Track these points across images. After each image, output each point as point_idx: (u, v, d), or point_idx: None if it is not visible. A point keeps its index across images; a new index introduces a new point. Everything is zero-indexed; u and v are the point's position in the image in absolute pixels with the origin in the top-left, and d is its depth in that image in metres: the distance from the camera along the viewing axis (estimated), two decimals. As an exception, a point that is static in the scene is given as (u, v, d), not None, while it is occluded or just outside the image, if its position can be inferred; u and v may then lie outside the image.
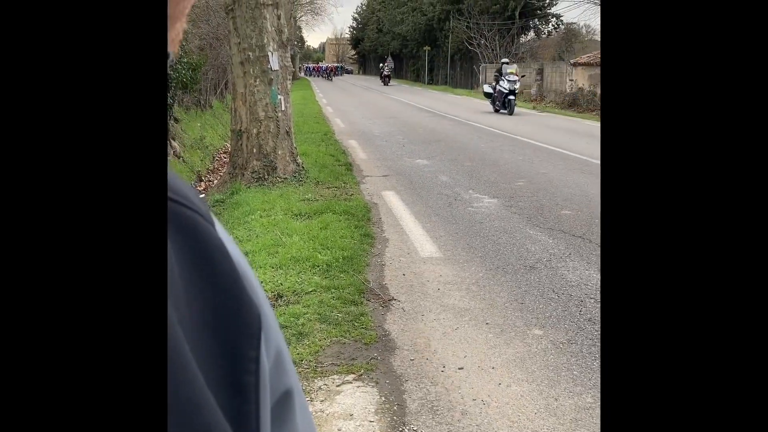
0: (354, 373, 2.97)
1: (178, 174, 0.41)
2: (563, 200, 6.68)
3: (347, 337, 3.34)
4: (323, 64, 77.08)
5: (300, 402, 0.44)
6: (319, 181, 7.45)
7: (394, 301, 3.88)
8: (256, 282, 0.43)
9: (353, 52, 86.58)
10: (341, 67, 79.96)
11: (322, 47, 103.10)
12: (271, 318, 0.41)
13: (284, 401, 0.42)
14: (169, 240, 0.33)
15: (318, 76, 69.60)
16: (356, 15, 78.21)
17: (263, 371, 0.37)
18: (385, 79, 42.35)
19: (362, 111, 19.91)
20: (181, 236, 0.35)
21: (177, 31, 0.40)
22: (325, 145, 10.68)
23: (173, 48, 0.42)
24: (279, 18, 7.20)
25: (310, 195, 6.69)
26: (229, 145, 9.46)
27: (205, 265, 0.35)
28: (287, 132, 7.45)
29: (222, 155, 11.56)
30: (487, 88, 18.98)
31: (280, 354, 0.41)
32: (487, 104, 19.52)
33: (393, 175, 8.29)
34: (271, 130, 7.26)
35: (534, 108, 21.71)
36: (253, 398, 0.36)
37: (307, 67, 79.99)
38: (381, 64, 46.13)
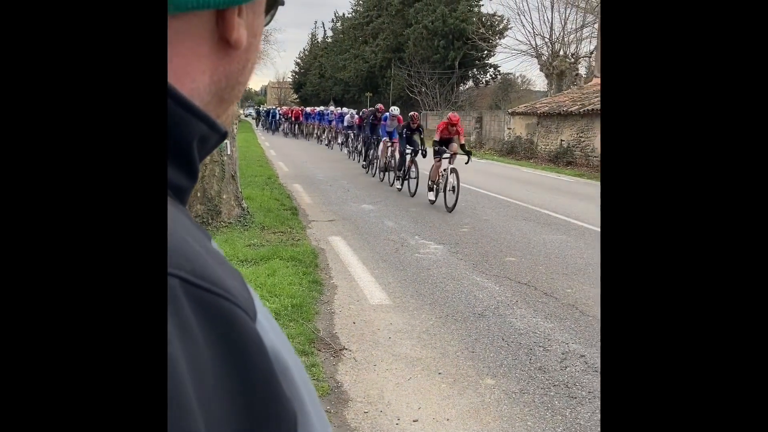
0: (307, 427, 2.88)
1: (229, 263, 0.39)
2: (507, 247, 6.80)
3: (299, 389, 3.24)
4: (331, 110, 25.30)
5: None
6: (265, 226, 7.35)
7: (345, 351, 3.81)
8: (301, 376, 0.42)
9: (295, 96, 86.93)
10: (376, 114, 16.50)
11: (264, 90, 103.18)
12: (313, 416, 0.40)
13: None
14: (202, 330, 0.32)
15: (293, 133, 31.14)
16: (299, 60, 78.88)
17: None
18: None
19: (305, 155, 19.91)
20: (215, 328, 0.34)
21: (229, 115, 0.46)
22: (269, 189, 10.59)
23: (227, 124, 0.45)
24: (226, 62, 7.18)
25: (255, 240, 6.59)
26: (170, 188, 9.25)
27: (238, 360, 0.34)
28: (232, 176, 7.35)
29: (162, 198, 11.28)
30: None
31: None
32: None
33: (339, 220, 8.27)
34: (216, 173, 7.15)
35: (473, 155, 22.25)
36: None
37: (265, 112, 40.74)
38: None
